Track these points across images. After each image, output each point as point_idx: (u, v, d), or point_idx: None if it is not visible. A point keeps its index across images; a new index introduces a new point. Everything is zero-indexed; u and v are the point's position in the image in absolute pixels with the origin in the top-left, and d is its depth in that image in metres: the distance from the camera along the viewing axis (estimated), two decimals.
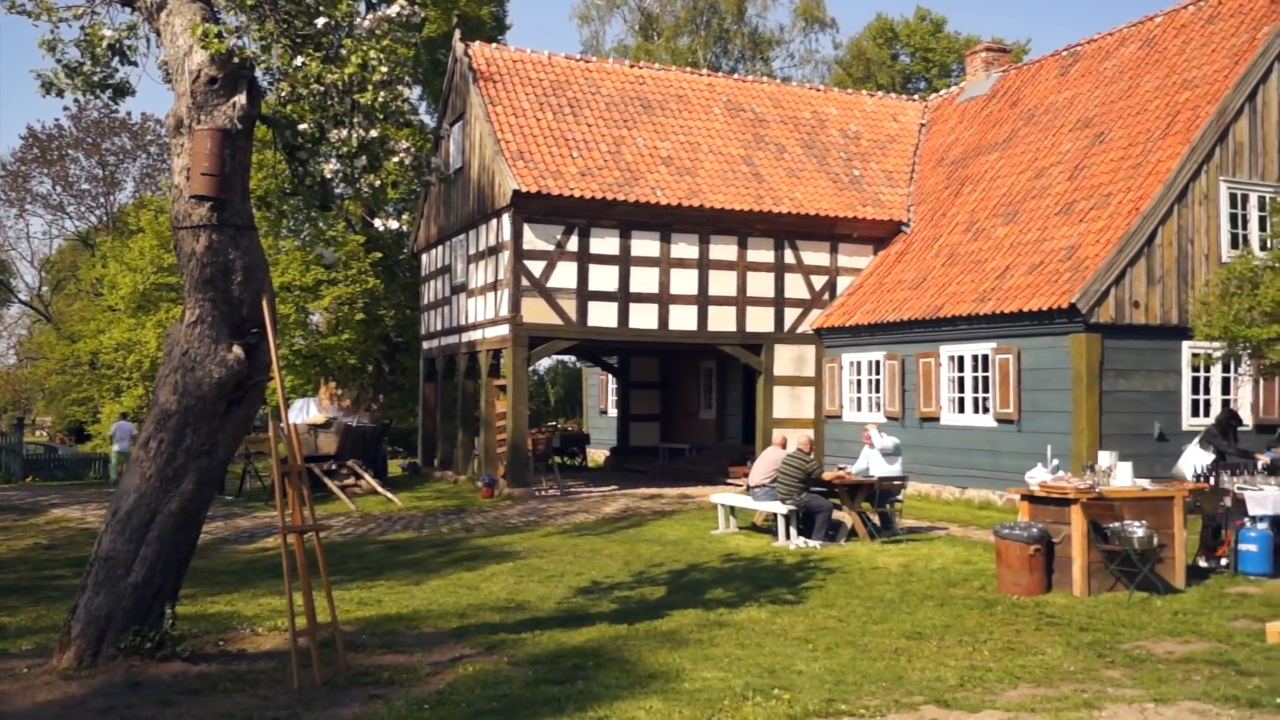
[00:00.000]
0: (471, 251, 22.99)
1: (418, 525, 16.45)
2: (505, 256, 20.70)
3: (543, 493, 20.82)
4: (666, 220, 21.47)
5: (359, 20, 7.46)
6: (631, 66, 24.97)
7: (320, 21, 7.30)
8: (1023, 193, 20.45)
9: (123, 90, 7.80)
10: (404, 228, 8.41)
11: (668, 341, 22.48)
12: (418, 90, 34.99)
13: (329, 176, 7.31)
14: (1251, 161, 17.82)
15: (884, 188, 24.21)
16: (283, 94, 7.46)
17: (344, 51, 7.32)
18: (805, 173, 23.63)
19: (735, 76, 26.84)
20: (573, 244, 20.86)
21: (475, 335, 22.70)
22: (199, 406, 7.30)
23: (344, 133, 7.30)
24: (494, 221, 21.44)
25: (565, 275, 20.83)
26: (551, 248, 20.70)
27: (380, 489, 19.99)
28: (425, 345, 27.19)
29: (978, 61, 26.45)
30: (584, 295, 20.96)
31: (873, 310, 21.34)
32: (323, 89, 7.21)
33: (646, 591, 10.82)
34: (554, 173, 20.72)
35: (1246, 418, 16.97)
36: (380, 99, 7.13)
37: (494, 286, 21.48)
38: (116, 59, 7.62)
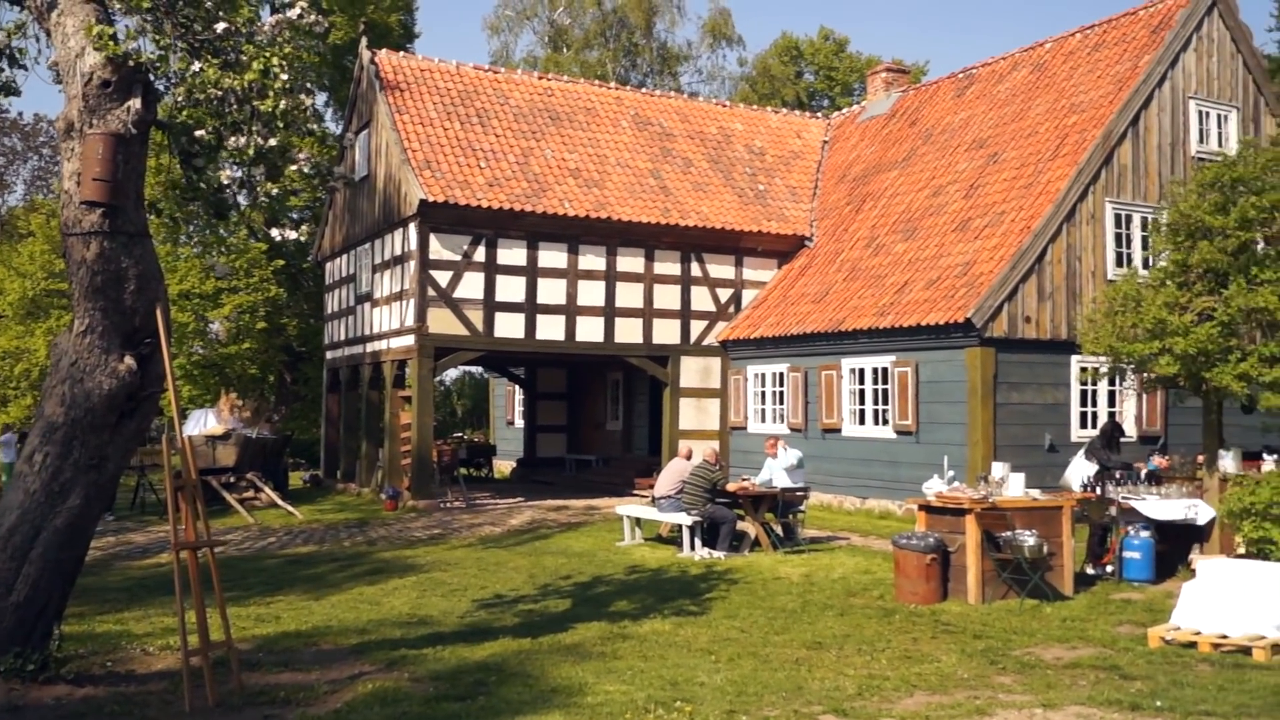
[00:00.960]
0: (377, 261, 22.72)
1: (319, 539, 16.17)
2: (411, 266, 20.51)
3: (448, 505, 20.63)
4: (574, 232, 21.50)
5: (260, 26, 7.34)
6: (540, 78, 24.98)
7: (220, 27, 7.18)
8: (921, 210, 20.95)
9: (8, 89, 7.56)
10: (302, 238, 8.29)
11: (575, 353, 22.50)
12: (324, 97, 34.48)
13: (225, 184, 7.17)
14: (1135, 183, 18.52)
15: (788, 203, 24.58)
16: (179, 99, 7.30)
17: (244, 58, 7.20)
18: (711, 187, 23.88)
19: (643, 90, 27.03)
20: (480, 254, 20.75)
21: (380, 345, 22.43)
22: (88, 419, 7.09)
23: (242, 140, 7.18)
24: (400, 231, 21.23)
25: (472, 286, 20.71)
26: (458, 258, 20.57)
27: (280, 502, 19.61)
28: (329, 355, 26.77)
29: (878, 81, 27.04)
30: (491, 306, 20.86)
31: (777, 323, 21.64)
32: (220, 94, 7.08)
33: (551, 604, 10.80)
34: (461, 183, 20.60)
35: (1130, 430, 17.62)
36: (281, 107, 7.02)
37: (399, 296, 21.26)
38: (3, 60, 7.39)
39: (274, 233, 7.68)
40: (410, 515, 19.22)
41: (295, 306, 31.75)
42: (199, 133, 7.18)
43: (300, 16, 7.35)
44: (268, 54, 7.05)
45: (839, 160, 25.73)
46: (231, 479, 19.65)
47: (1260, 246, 11.81)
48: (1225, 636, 8.90)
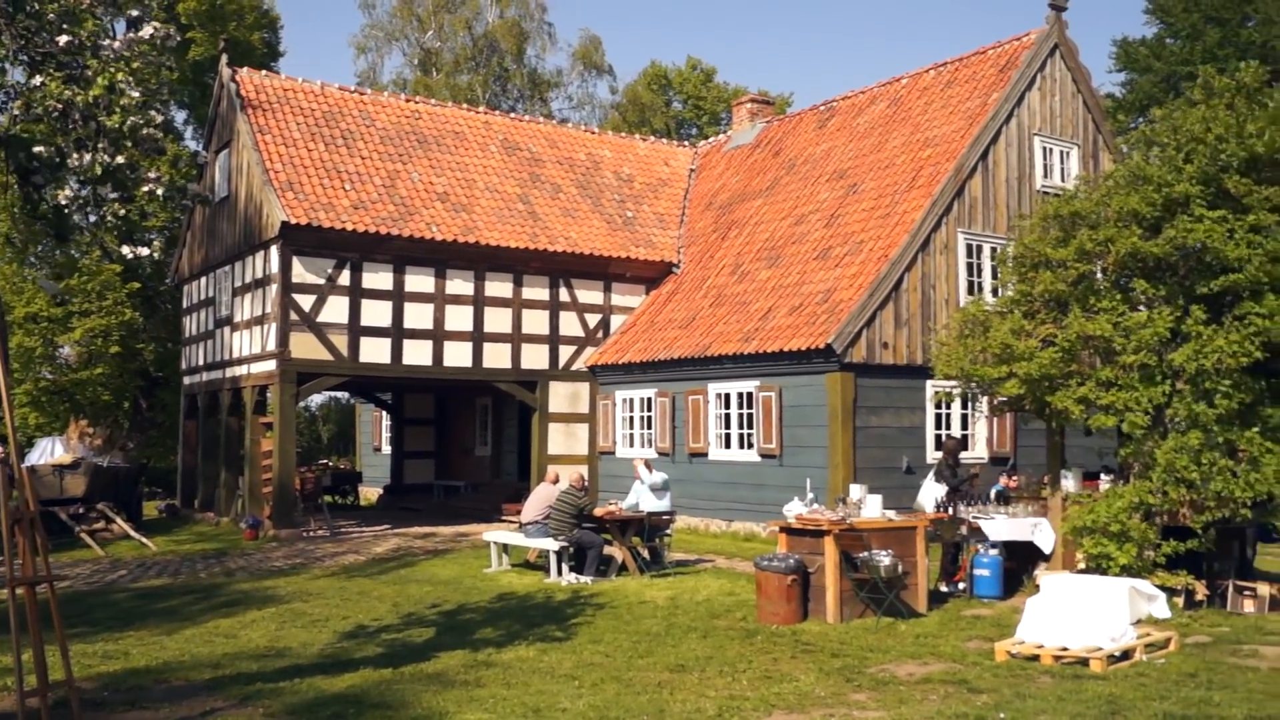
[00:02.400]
0: (237, 284, 22.15)
1: (174, 571, 15.61)
2: (273, 289, 20.05)
3: (311, 534, 20.16)
4: (442, 256, 21.34)
5: (108, 41, 7.11)
6: (408, 101, 24.77)
7: (63, 39, 6.93)
8: (784, 238, 21.45)
9: None
10: (155, 254, 8.02)
11: (443, 378, 22.28)
12: (183, 114, 33.50)
13: (64, 203, 6.90)
14: (985, 215, 19.35)
15: (655, 229, 24.88)
16: (17, 113, 7.01)
17: (89, 73, 6.96)
18: (580, 213, 24.01)
19: (512, 116, 27.06)
20: (344, 278, 20.41)
21: (240, 370, 21.83)
22: None
23: (87, 157, 6.93)
24: (261, 253, 20.75)
25: (336, 310, 20.35)
26: (322, 281, 20.20)
27: (133, 533, 18.86)
28: (187, 381, 25.93)
29: (744, 112, 27.64)
30: (356, 331, 20.53)
31: (645, 348, 21.84)
32: (62, 109, 6.82)
33: (415, 633, 10.66)
34: (325, 205, 20.27)
35: (981, 451, 18.33)
36: (128, 123, 6.80)
37: (261, 320, 20.75)
38: None
39: (125, 250, 7.42)
40: (271, 545, 18.71)
41: (152, 330, 30.68)
42: (38, 149, 6.90)
43: (154, 34, 7.16)
44: (113, 69, 6.83)
45: (706, 188, 26.18)
46: (81, 510, 18.83)
47: (1098, 276, 12.45)
48: (1066, 649, 9.31)
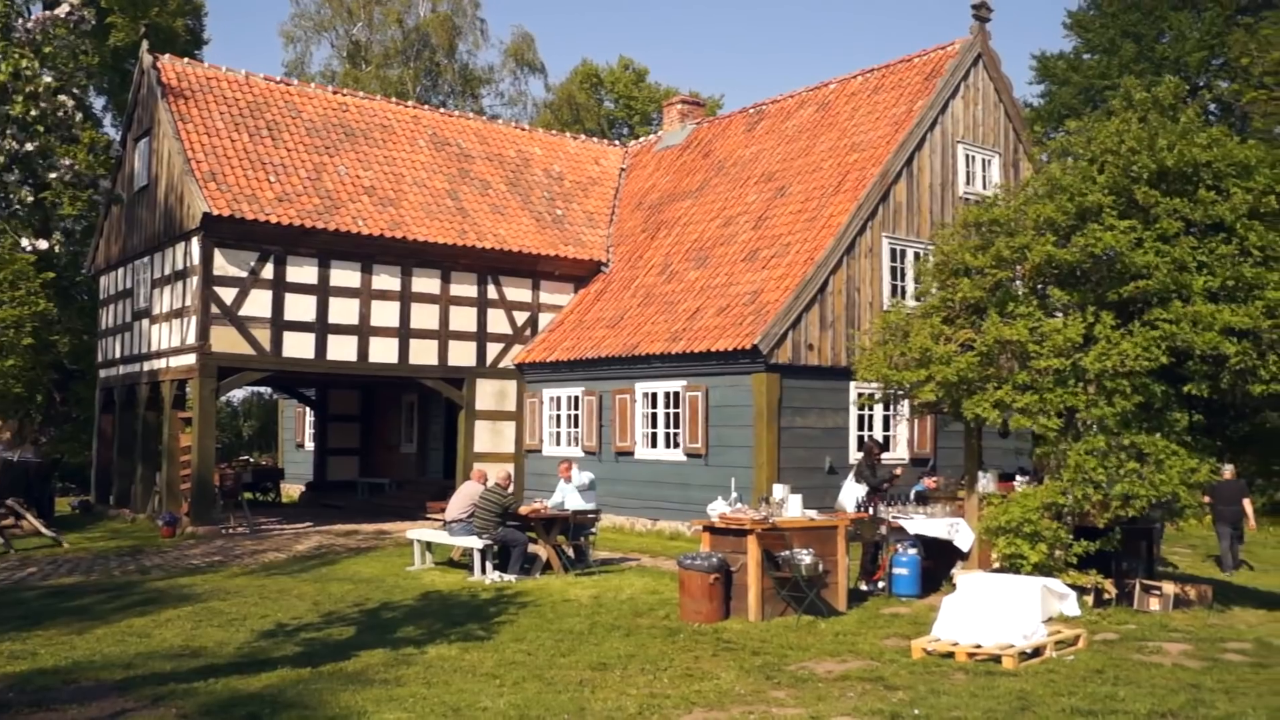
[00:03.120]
0: (156, 275, 21.70)
1: (86, 568, 15.25)
2: (194, 282, 19.68)
3: (230, 531, 19.83)
4: (368, 251, 21.13)
5: (21, 21, 6.92)
6: (335, 93, 24.46)
7: None
8: (713, 239, 21.60)
9: None
10: (55, 248, 7.80)
11: (368, 374, 22.06)
12: (102, 101, 32.72)
13: None
14: (909, 220, 19.68)
15: (585, 228, 24.88)
16: None
17: None
18: (509, 210, 23.93)
19: (442, 111, 26.86)
20: (268, 271, 20.11)
21: (159, 364, 21.39)
22: None
23: None
24: (182, 244, 20.35)
25: (259, 304, 20.04)
26: (245, 274, 19.87)
27: (44, 530, 18.38)
28: (103, 374, 25.33)
29: (674, 113, 27.76)
30: (279, 325, 20.23)
31: (573, 347, 21.84)
32: None
33: (335, 632, 10.55)
34: (249, 196, 19.94)
35: (903, 452, 18.64)
36: (35, 110, 6.62)
37: (180, 313, 20.36)
38: None
39: (25, 242, 7.22)
40: (189, 542, 18.37)
41: (67, 322, 29.91)
42: None
43: (69, 13, 6.98)
44: (18, 54, 6.65)
45: (636, 188, 26.24)
46: None
47: (1016, 283, 12.74)
48: (979, 646, 9.51)
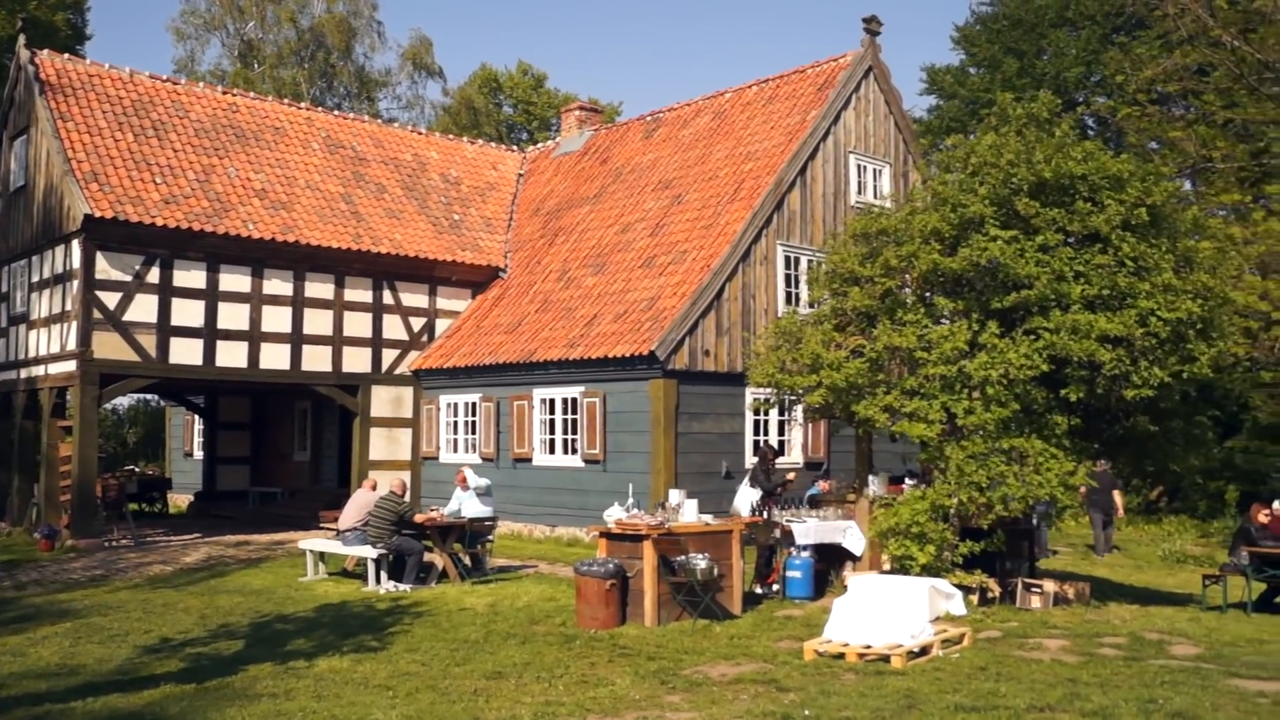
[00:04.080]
0: (34, 279, 20.93)
1: None
2: (74, 286, 19.04)
3: (114, 543, 19.21)
4: (259, 255, 20.69)
5: None
6: (225, 93, 23.90)
7: None
8: (611, 245, 21.68)
9: None
10: None
11: (259, 381, 21.60)
12: None
13: None
14: (802, 228, 20.02)
15: (482, 233, 24.75)
16: None
17: None
18: (405, 214, 23.68)
19: (336, 113, 26.45)
20: (154, 275, 19.56)
21: (37, 371, 20.63)
22: None
23: None
24: (62, 247, 19.67)
25: (144, 309, 19.47)
26: (129, 278, 19.29)
27: None
28: None
29: (573, 119, 27.79)
30: (166, 330, 19.68)
31: (470, 353, 21.70)
32: None
33: (222, 646, 10.30)
34: (133, 198, 19.38)
35: (797, 457, 18.93)
36: None
37: (60, 318, 19.67)
38: None
39: None
40: (69, 556, 17.75)
41: None
42: None
43: None
44: None
45: (534, 194, 26.20)
46: None
47: (905, 291, 13.06)
48: (869, 647, 9.70)
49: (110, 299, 19.07)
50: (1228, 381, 23.13)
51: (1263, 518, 13.69)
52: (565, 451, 19.61)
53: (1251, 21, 23.02)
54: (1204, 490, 28.19)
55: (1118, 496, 20.51)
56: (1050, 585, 12.64)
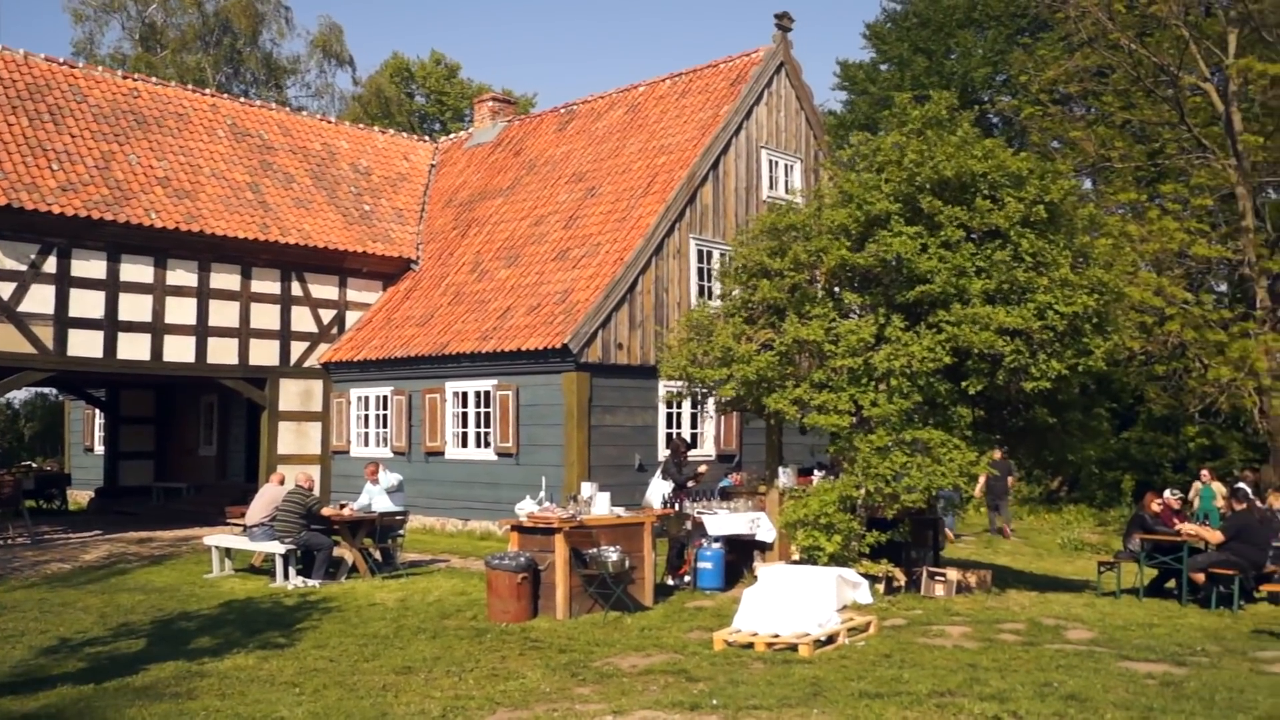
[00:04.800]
0: None
1: None
2: None
3: (9, 541, 18.63)
4: (162, 245, 20.20)
5: None
6: (125, 77, 23.25)
7: None
8: (524, 238, 21.60)
9: None
10: None
11: (163, 374, 21.08)
12: None
13: None
14: (715, 222, 20.19)
15: (394, 225, 24.47)
16: None
17: None
18: (314, 204, 23.30)
19: (242, 100, 25.90)
20: (50, 265, 18.96)
21: None
22: None
23: None
24: None
25: (41, 299, 18.88)
26: (24, 268, 18.69)
27: None
28: None
29: (485, 110, 27.62)
30: (63, 322, 19.11)
31: (381, 346, 21.45)
32: None
33: (123, 645, 10.07)
34: (28, 185, 18.76)
35: (709, 449, 19.11)
36: None
37: None
38: None
39: None
40: None
41: None
42: None
43: None
44: None
45: (446, 185, 25.98)
46: None
47: (813, 285, 13.25)
48: (778, 636, 9.84)
49: (4, 289, 18.46)
50: (1124, 375, 23.90)
51: (1156, 506, 14.18)
52: (478, 445, 19.52)
53: (1147, 26, 23.77)
54: (1101, 480, 29.14)
55: (1011, 481, 22.15)
56: (953, 574, 12.95)
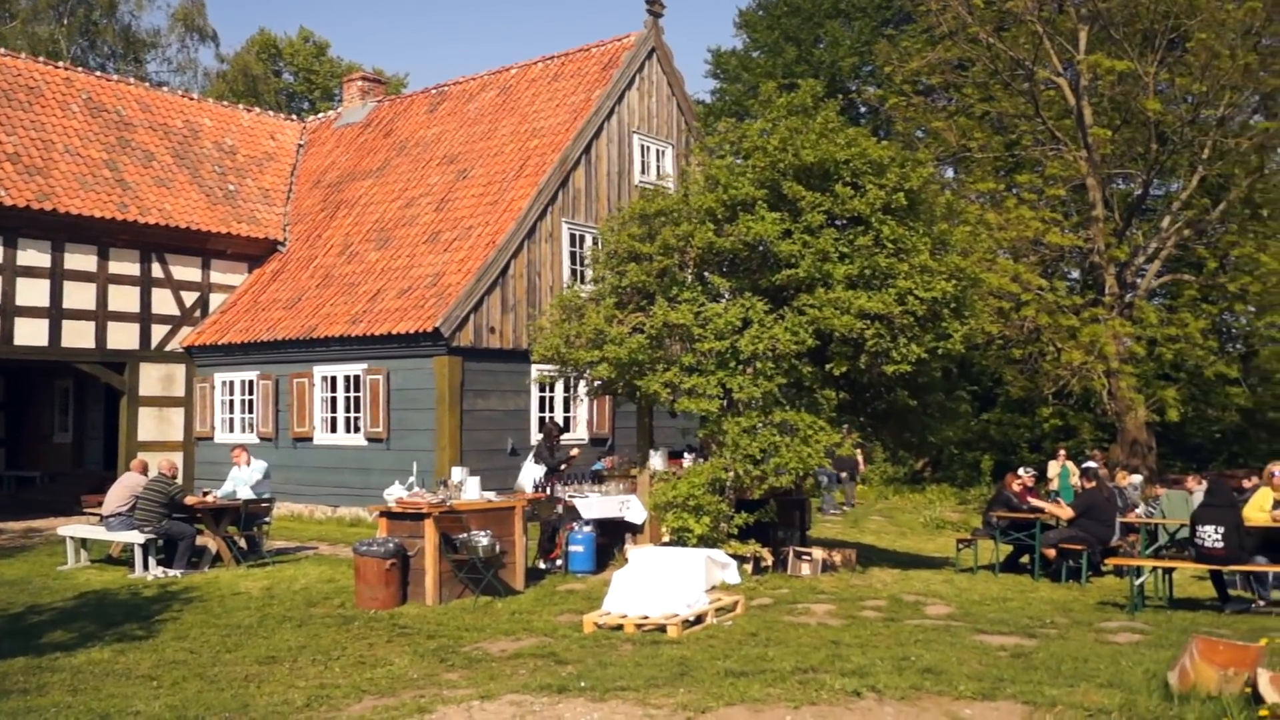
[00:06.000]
0: None
1: None
2: None
3: None
4: (12, 224, 19.28)
5: None
6: None
7: None
8: (394, 220, 21.29)
9: None
10: None
11: (13, 358, 20.12)
12: None
13: None
14: (587, 206, 20.22)
15: (260, 205, 23.83)
16: None
17: None
18: (176, 184, 22.53)
19: (99, 74, 24.85)
20: None
21: None
22: None
23: None
24: None
25: None
26: None
27: None
28: None
29: (355, 89, 27.07)
30: None
31: (247, 329, 20.91)
32: None
33: None
34: None
35: (582, 433, 19.18)
36: None
37: None
38: None
39: None
40: None
41: None
42: None
43: None
44: None
45: (314, 165, 25.40)
46: None
47: (683, 269, 13.41)
48: (647, 617, 9.95)
49: None
50: (983, 359, 24.81)
51: (1016, 485, 14.79)
52: (348, 430, 19.21)
53: (1005, 21, 24.62)
54: (962, 460, 30.21)
55: (860, 455, 23.22)
56: (819, 553, 13.29)
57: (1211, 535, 10.69)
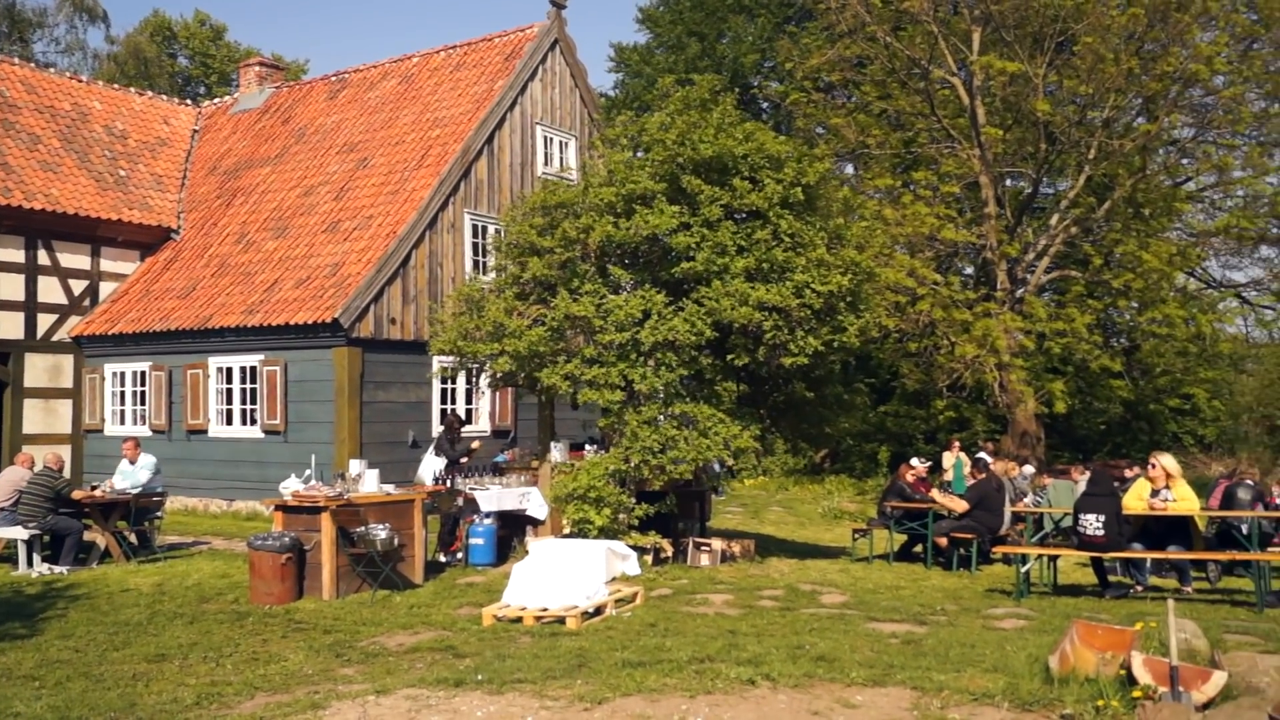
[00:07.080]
0: None
1: None
2: None
3: None
4: None
5: None
6: None
7: None
8: (293, 209, 20.90)
9: None
10: None
11: None
12: None
13: None
14: (490, 197, 20.11)
15: (153, 191, 23.19)
16: None
17: None
18: (64, 168, 21.80)
19: None
20: None
21: None
22: None
23: None
24: None
25: None
26: None
27: None
28: None
29: (252, 74, 26.49)
30: None
31: (139, 319, 20.35)
32: None
33: None
34: None
35: (484, 425, 19.10)
36: None
37: None
38: None
39: None
40: None
41: None
42: None
43: None
44: None
45: (210, 151, 24.80)
46: None
47: (584, 262, 13.42)
48: (546, 609, 9.96)
49: None
50: (880, 352, 25.31)
51: (910, 476, 15.13)
52: (244, 422, 18.84)
53: (901, 21, 25.12)
54: (860, 451, 30.78)
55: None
56: (719, 544, 13.45)
57: (1093, 523, 11.07)
